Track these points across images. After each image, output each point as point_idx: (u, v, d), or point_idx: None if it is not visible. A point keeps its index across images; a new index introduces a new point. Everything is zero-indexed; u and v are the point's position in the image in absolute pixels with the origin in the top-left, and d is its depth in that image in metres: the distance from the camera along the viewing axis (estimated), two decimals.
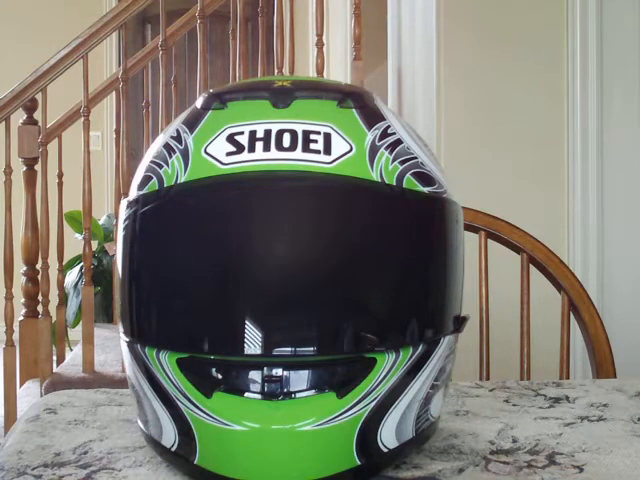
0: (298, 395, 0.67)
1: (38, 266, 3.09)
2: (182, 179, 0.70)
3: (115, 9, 2.96)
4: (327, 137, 0.69)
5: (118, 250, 0.74)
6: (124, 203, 0.74)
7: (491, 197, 2.50)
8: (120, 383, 2.66)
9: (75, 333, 3.71)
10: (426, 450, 0.78)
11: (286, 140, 0.69)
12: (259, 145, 0.69)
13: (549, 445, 0.80)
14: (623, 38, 2.53)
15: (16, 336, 2.95)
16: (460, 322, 0.76)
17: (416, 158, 0.73)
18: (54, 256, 3.21)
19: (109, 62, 5.60)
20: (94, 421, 0.88)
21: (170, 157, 0.71)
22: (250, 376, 0.67)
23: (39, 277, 3.08)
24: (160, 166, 0.72)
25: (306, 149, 0.68)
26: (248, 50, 3.26)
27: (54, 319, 3.18)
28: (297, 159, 0.68)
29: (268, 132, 0.69)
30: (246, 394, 0.67)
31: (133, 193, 0.74)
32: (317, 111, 0.71)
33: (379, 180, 0.69)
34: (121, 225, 0.73)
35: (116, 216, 3.39)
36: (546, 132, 2.59)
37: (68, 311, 3.89)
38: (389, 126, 0.73)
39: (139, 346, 0.71)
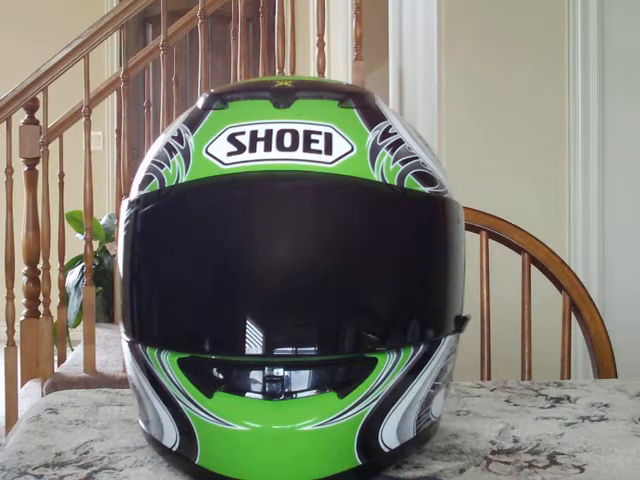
0: (299, 395, 0.67)
1: (39, 266, 3.09)
2: (183, 179, 0.70)
3: (116, 9, 2.96)
4: (328, 137, 0.69)
5: (119, 250, 0.74)
6: (125, 203, 0.74)
7: (492, 197, 2.50)
8: (121, 383, 2.66)
9: (76, 333, 3.71)
10: (427, 450, 0.78)
11: (287, 140, 0.69)
12: (260, 145, 0.69)
13: (550, 445, 0.80)
14: (624, 38, 2.53)
15: (17, 336, 2.95)
16: (461, 322, 0.76)
17: (417, 158, 0.73)
18: (55, 256, 3.21)
19: (110, 62, 5.60)
20: (95, 421, 0.88)
21: (171, 157, 0.72)
22: (251, 376, 0.67)
23: (40, 277, 3.08)
24: (161, 166, 0.72)
25: (307, 149, 0.68)
26: (249, 50, 3.26)
27: (55, 319, 3.18)
28: (298, 159, 0.68)
29: (269, 132, 0.69)
30: (247, 394, 0.67)
31: (134, 193, 0.74)
32: (318, 111, 0.71)
33: (380, 180, 0.69)
34: (122, 225, 0.73)
35: (117, 216, 3.39)
36: (547, 132, 2.58)
37: (69, 311, 3.89)
38: (390, 126, 0.73)
39: (140, 346, 0.71)
